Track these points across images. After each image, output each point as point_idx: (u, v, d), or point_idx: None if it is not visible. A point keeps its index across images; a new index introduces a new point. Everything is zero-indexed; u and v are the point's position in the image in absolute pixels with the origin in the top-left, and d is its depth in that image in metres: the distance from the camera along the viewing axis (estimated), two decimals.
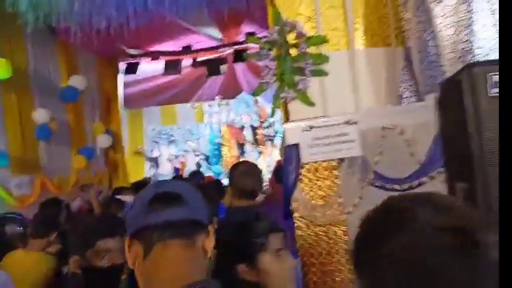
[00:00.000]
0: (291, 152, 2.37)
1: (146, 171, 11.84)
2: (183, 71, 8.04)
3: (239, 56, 7.69)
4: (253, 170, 2.87)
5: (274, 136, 11.53)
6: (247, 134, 11.63)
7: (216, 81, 10.58)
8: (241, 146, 11.62)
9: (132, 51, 7.49)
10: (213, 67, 7.63)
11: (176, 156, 11.86)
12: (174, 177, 8.37)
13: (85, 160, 6.24)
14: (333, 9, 2.61)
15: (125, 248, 1.05)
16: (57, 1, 4.79)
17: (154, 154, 11.86)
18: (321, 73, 2.57)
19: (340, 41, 2.62)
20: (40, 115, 5.49)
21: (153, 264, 1.03)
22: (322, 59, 2.56)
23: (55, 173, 5.87)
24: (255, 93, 2.71)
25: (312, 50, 2.58)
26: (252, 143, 11.57)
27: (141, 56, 7.56)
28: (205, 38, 7.83)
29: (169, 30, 6.84)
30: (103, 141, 6.82)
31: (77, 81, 6.18)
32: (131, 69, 7.50)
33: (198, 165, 11.83)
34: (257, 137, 11.60)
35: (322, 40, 2.57)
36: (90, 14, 5.18)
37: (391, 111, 2.45)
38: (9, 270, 2.74)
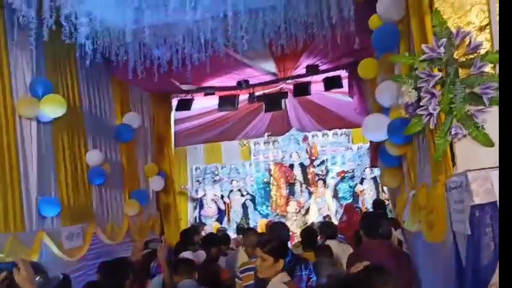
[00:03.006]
0: (484, 215, 1.62)
1: (189, 212, 11.23)
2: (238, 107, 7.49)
3: (300, 89, 7.12)
4: None
5: (326, 175, 10.77)
6: (297, 172, 10.91)
7: (264, 118, 10.03)
8: (291, 185, 10.87)
9: (185, 87, 7.01)
10: (272, 102, 7.03)
11: (221, 197, 11.20)
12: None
13: (138, 205, 5.65)
14: None
15: None
16: (118, 32, 4.35)
17: (199, 194, 11.26)
18: None
19: None
20: (93, 157, 4.96)
21: None
22: None
23: (107, 220, 5.28)
24: (408, 131, 2.00)
25: (487, 69, 1.89)
26: (303, 183, 10.82)
27: (194, 91, 7.07)
28: (259, 72, 7.30)
29: (224, 65, 6.35)
30: (156, 183, 6.24)
31: (131, 119, 5.69)
32: (185, 105, 7.00)
33: (244, 206, 11.13)
34: (308, 176, 10.85)
35: None
36: (153, 46, 4.74)
37: None
38: None
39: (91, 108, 5.29)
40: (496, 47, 1.92)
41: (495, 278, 1.59)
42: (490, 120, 1.88)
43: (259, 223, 10.12)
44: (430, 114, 1.87)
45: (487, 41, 1.92)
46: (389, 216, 5.93)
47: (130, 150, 5.91)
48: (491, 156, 1.79)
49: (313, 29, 4.52)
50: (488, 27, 1.93)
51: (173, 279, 3.21)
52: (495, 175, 1.66)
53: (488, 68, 1.88)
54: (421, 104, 1.88)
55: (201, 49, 4.88)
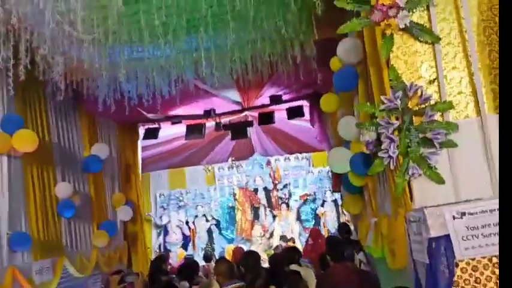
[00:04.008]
0: (439, 246, 1.91)
1: (154, 239, 11.12)
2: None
3: (264, 118, 7.41)
4: None
5: (288, 198, 11.05)
6: (261, 196, 11.13)
7: (229, 143, 10.24)
8: (255, 209, 11.06)
9: (152, 116, 7.12)
10: (238, 130, 7.27)
11: (186, 222, 11.19)
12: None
13: (107, 236, 5.64)
14: (457, 71, 2.27)
15: None
16: (92, 69, 4.45)
17: (163, 221, 11.20)
18: (450, 144, 2.18)
19: (467, 106, 2.26)
20: (63, 189, 4.96)
21: None
22: (451, 127, 2.18)
23: (76, 253, 5.25)
24: (371, 171, 2.29)
25: (436, 117, 2.21)
26: (267, 206, 11.04)
27: (161, 120, 7.19)
28: (225, 101, 7.55)
29: (189, 94, 6.55)
30: (124, 213, 6.25)
31: (99, 150, 5.73)
32: (152, 134, 7.10)
33: (210, 231, 11.17)
34: (272, 199, 11.09)
35: (448, 106, 2.21)
36: (123, 81, 4.87)
37: None
38: None
39: (60, 140, 5.30)
40: (444, 98, 2.25)
41: None
42: (441, 161, 2.19)
43: (226, 248, 10.18)
44: (390, 157, 2.16)
45: (436, 93, 2.26)
46: (352, 238, 6.24)
47: (99, 180, 5.92)
48: (444, 193, 2.10)
49: (277, 66, 4.84)
50: (436, 81, 2.27)
51: None
52: (448, 211, 1.95)
53: (437, 116, 2.21)
54: (381, 147, 2.17)
55: (170, 83, 5.07)
